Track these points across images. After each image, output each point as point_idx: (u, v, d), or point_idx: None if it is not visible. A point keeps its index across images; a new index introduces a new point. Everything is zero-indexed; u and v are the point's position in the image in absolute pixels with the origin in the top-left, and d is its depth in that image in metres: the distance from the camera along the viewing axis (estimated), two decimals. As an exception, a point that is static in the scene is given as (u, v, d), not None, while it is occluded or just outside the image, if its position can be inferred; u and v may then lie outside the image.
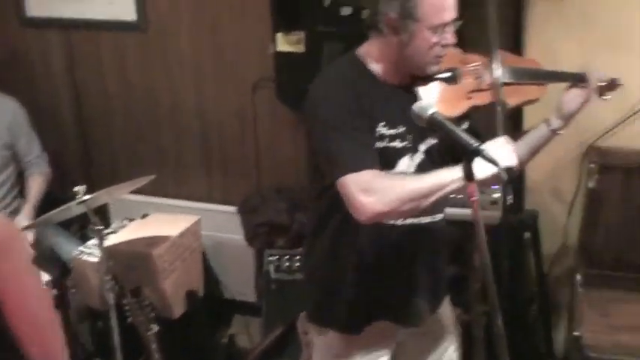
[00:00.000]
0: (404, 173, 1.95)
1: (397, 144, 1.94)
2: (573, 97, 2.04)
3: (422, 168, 1.96)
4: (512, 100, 2.06)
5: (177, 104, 3.81)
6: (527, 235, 3.22)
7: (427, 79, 1.98)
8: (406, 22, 1.85)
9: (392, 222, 1.96)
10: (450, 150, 1.96)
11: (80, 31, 3.87)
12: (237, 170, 3.81)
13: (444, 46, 1.89)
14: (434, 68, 1.95)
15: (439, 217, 2.10)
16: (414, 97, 1.92)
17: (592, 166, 3.12)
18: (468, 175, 1.66)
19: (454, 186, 1.76)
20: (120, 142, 4.03)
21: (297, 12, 3.21)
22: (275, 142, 3.67)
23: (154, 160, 3.94)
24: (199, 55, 3.68)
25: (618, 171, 3.12)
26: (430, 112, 1.72)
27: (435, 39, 1.86)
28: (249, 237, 3.52)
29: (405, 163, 1.96)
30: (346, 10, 3.13)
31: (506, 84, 2.05)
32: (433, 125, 1.73)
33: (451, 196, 1.82)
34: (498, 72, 2.02)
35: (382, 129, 1.91)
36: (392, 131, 1.92)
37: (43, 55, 3.99)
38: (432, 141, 2.01)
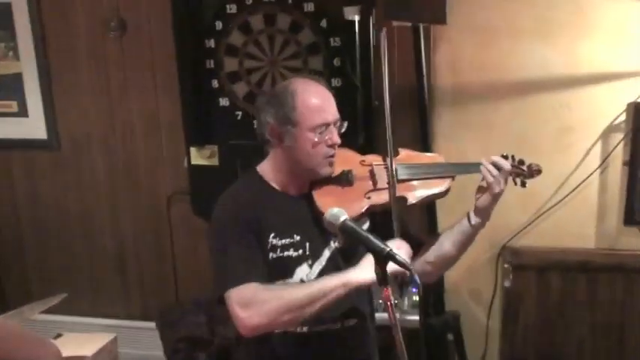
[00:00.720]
0: (302, 281, 1.95)
1: (292, 253, 1.96)
2: (482, 190, 2.04)
3: (323, 276, 1.94)
4: (413, 197, 2.06)
5: (91, 221, 3.72)
6: (450, 336, 3.22)
7: (323, 183, 2.02)
8: (286, 127, 1.93)
9: (300, 330, 1.96)
10: (354, 254, 1.97)
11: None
12: (154, 284, 3.72)
13: (330, 146, 1.95)
14: (326, 170, 2.00)
15: (353, 321, 2.04)
16: (311, 206, 1.97)
17: (506, 266, 3.18)
18: (382, 280, 1.66)
19: (335, 293, 1.81)
20: (31, 261, 3.88)
21: (210, 126, 3.24)
22: (192, 255, 3.60)
23: (68, 278, 3.79)
24: (113, 169, 3.63)
25: (532, 270, 3.20)
26: (342, 219, 1.75)
27: (317, 139, 1.93)
28: (169, 353, 3.37)
29: (304, 272, 1.96)
30: (258, 124, 3.18)
31: (403, 180, 2.07)
32: (345, 232, 1.75)
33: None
34: (393, 170, 2.05)
35: (273, 240, 1.94)
36: (284, 241, 1.95)
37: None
38: (334, 245, 2.01)
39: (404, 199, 2.05)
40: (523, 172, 2.11)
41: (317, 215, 1.94)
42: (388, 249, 1.64)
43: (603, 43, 2.96)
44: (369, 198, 2.04)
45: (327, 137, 1.94)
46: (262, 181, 2.03)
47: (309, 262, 1.98)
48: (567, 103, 3.06)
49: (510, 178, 2.06)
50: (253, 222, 1.93)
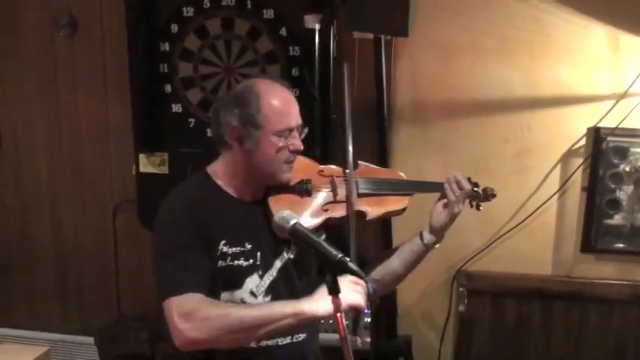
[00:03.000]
0: (252, 293, 1.84)
1: (242, 262, 1.84)
2: (441, 209, 1.99)
3: (274, 288, 1.87)
4: (372, 212, 1.98)
5: (31, 227, 3.55)
6: (401, 361, 3.13)
7: (280, 190, 1.91)
8: (249, 129, 1.82)
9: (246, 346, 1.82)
10: (307, 266, 1.91)
11: None
12: (95, 298, 3.55)
13: (292, 151, 1.86)
14: (286, 176, 1.90)
15: (302, 336, 1.92)
16: (265, 213, 1.87)
17: (461, 289, 3.11)
18: (332, 289, 1.57)
19: (286, 322, 1.69)
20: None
21: (161, 132, 3.11)
22: (137, 268, 3.44)
23: (4, 288, 3.61)
24: (56, 174, 3.46)
25: (487, 295, 3.13)
26: (292, 222, 1.66)
27: (281, 143, 1.84)
28: (108, 370, 3.25)
29: (254, 282, 1.85)
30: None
31: (363, 195, 1.99)
32: (295, 236, 1.67)
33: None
34: (353, 183, 1.97)
35: (224, 247, 1.82)
36: (235, 249, 1.83)
37: None
38: (287, 256, 1.91)
39: (363, 214, 1.96)
40: (478, 195, 2.06)
41: (271, 224, 1.82)
42: (340, 255, 1.56)
43: (565, 64, 2.95)
44: (326, 210, 1.94)
45: (290, 142, 1.85)
46: (214, 184, 1.90)
47: (260, 272, 1.87)
48: (528, 125, 3.03)
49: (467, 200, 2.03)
50: (204, 226, 1.80)
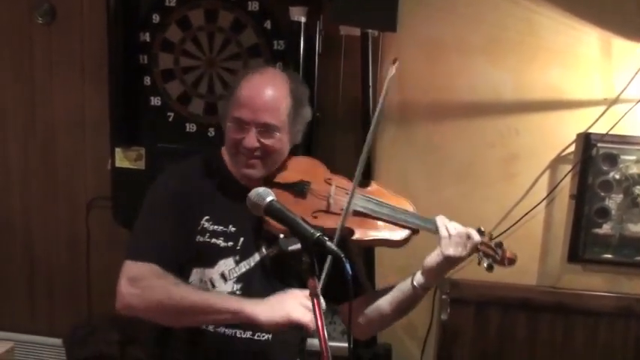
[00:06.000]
0: (222, 276, 1.83)
1: (220, 242, 1.84)
2: (436, 253, 1.81)
3: (248, 278, 1.84)
4: (361, 234, 1.84)
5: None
6: (380, 371, 3.02)
7: (275, 184, 1.87)
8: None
9: (204, 328, 1.81)
10: (285, 265, 1.84)
11: None
12: (65, 298, 3.41)
13: (245, 147, 1.83)
14: (243, 170, 1.86)
15: (266, 336, 1.83)
16: None
17: (444, 297, 3.01)
18: (310, 270, 1.49)
19: (223, 317, 1.70)
20: None
21: (139, 126, 3.02)
22: (110, 267, 3.29)
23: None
24: (28, 167, 3.32)
25: (470, 304, 3.04)
26: (268, 199, 1.59)
27: (232, 133, 1.84)
28: (74, 372, 3.12)
29: (227, 266, 1.83)
30: (191, 127, 2.99)
31: (358, 213, 1.86)
32: (271, 214, 1.60)
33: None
34: (351, 199, 1.84)
35: (205, 223, 1.84)
36: (216, 227, 1.84)
37: None
38: (269, 252, 1.86)
39: (351, 231, 1.84)
40: (494, 255, 1.83)
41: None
42: (318, 234, 1.48)
43: (555, 67, 2.88)
44: (315, 217, 1.86)
45: (242, 136, 1.82)
46: (221, 162, 1.93)
47: (237, 257, 1.84)
48: (516, 129, 2.95)
49: (477, 256, 1.83)
50: (187, 199, 1.84)
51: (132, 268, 1.75)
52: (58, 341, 3.27)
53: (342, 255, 1.43)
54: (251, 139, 1.80)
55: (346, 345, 2.72)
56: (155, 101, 2.98)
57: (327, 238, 1.48)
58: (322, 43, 2.85)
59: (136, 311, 1.74)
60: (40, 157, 3.30)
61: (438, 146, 3.00)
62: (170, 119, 3.00)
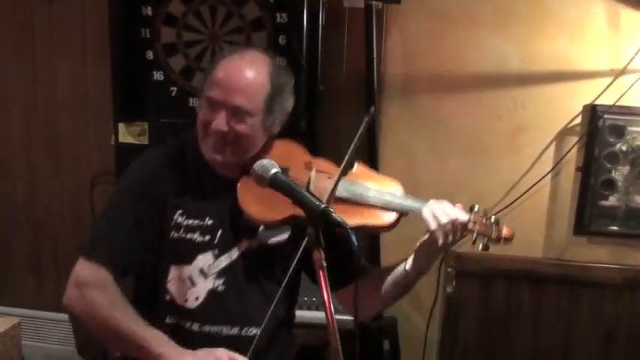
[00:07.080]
0: (202, 272, 1.75)
1: (197, 237, 1.75)
2: (426, 239, 1.73)
3: (232, 272, 1.77)
4: (351, 220, 1.63)
5: (4, 197, 3.40)
6: (386, 344, 3.02)
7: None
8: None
9: (188, 326, 1.77)
10: (268, 257, 1.81)
11: None
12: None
13: (213, 130, 1.71)
14: (208, 154, 1.75)
15: (254, 331, 1.77)
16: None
17: (450, 270, 3.01)
18: (315, 241, 1.45)
19: (139, 354, 1.65)
20: None
21: (142, 101, 2.99)
22: (115, 243, 3.31)
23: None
24: (31, 144, 3.32)
25: (476, 277, 3.03)
26: (273, 171, 1.56)
27: (202, 114, 1.73)
28: (81, 347, 3.13)
29: (206, 261, 1.76)
30: (194, 101, 2.96)
31: (340, 200, 1.73)
32: (275, 186, 1.56)
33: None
34: (330, 184, 1.71)
35: (179, 217, 1.75)
36: (190, 221, 1.75)
37: None
38: (249, 244, 1.79)
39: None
40: (489, 234, 1.71)
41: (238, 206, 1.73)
42: (324, 205, 1.46)
43: (562, 38, 2.85)
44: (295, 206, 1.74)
45: (212, 118, 1.70)
46: (196, 149, 1.79)
47: (216, 252, 1.76)
48: (522, 101, 2.92)
49: (472, 236, 1.71)
50: (159, 196, 1.74)
51: (82, 269, 1.69)
52: (64, 316, 3.29)
53: (347, 226, 1.41)
54: (220, 122, 1.69)
55: (352, 318, 2.77)
56: (158, 76, 2.94)
57: (332, 210, 1.45)
58: (326, 16, 2.82)
59: (77, 315, 1.70)
60: (44, 133, 3.29)
61: (444, 119, 2.98)
62: (173, 94, 2.96)
